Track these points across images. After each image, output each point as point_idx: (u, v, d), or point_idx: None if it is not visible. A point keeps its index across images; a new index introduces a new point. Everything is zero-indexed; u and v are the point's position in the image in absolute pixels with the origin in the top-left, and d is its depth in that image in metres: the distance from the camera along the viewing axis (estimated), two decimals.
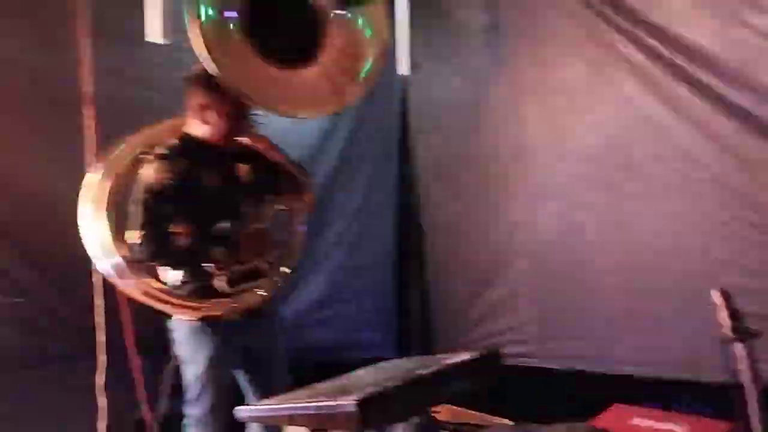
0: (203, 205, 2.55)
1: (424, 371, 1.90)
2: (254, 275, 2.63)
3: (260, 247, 2.63)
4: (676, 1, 3.77)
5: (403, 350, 4.99)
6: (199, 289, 2.56)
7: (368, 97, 4.64)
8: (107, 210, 2.57)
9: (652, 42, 3.86)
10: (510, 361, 4.38)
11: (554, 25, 4.23)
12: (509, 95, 4.42)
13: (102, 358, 3.17)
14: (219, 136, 2.58)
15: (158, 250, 2.48)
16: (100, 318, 3.16)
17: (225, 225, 2.57)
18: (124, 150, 2.67)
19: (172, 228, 2.49)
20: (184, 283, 2.56)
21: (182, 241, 2.48)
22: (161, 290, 2.54)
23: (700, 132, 3.78)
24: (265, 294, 2.69)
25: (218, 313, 2.56)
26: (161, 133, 2.68)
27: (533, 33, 4.33)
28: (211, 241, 2.52)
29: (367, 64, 2.60)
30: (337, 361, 3.91)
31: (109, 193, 2.57)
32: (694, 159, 3.81)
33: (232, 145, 2.64)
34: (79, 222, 2.57)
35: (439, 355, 2.18)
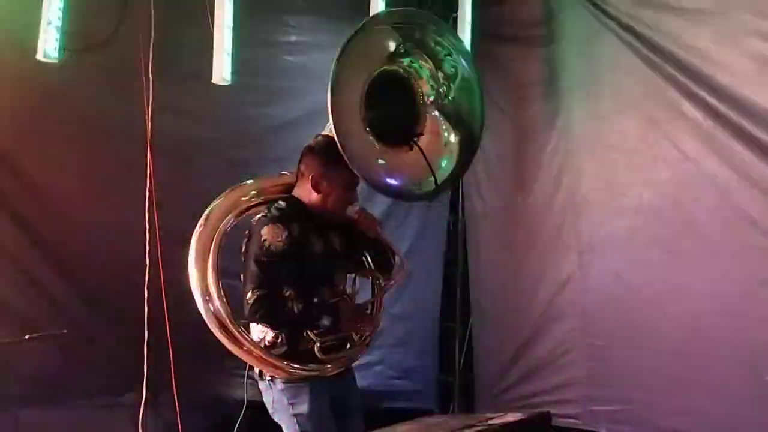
0: (309, 271, 2.61)
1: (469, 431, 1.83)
2: (344, 344, 2.68)
3: (359, 322, 2.69)
4: (740, 61, 3.72)
5: (443, 402, 4.89)
6: (292, 352, 2.60)
7: None
8: (212, 259, 2.58)
9: (713, 101, 3.81)
10: (555, 422, 4.27)
11: (612, 79, 4.21)
12: (565, 148, 4.38)
13: (144, 392, 3.17)
14: (328, 206, 2.66)
15: (272, 312, 2.52)
16: (146, 354, 3.17)
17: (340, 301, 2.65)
18: (231, 198, 2.70)
19: (285, 292, 2.55)
20: (272, 344, 2.60)
21: (295, 307, 2.52)
22: (256, 346, 2.57)
23: (760, 194, 3.68)
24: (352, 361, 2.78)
25: (312, 374, 2.62)
26: (269, 190, 2.76)
27: (591, 87, 4.32)
28: (320, 309, 2.58)
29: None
30: (375, 408, 3.87)
31: (215, 241, 2.60)
32: (754, 221, 3.71)
33: (335, 215, 2.71)
34: (189, 259, 2.59)
35: (484, 414, 2.11)
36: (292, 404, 2.61)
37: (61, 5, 2.99)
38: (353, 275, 2.78)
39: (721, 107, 3.78)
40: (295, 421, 2.61)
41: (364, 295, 2.76)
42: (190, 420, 3.05)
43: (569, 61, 4.42)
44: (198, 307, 2.57)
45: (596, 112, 4.30)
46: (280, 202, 2.65)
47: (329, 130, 2.61)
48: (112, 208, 3.39)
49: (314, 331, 2.57)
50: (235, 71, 3.41)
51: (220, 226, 2.61)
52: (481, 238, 4.83)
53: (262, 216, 2.60)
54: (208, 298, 2.55)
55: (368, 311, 2.75)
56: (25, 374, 3.11)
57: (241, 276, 2.57)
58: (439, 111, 2.75)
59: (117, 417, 3.36)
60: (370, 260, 2.78)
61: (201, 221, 2.62)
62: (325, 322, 2.57)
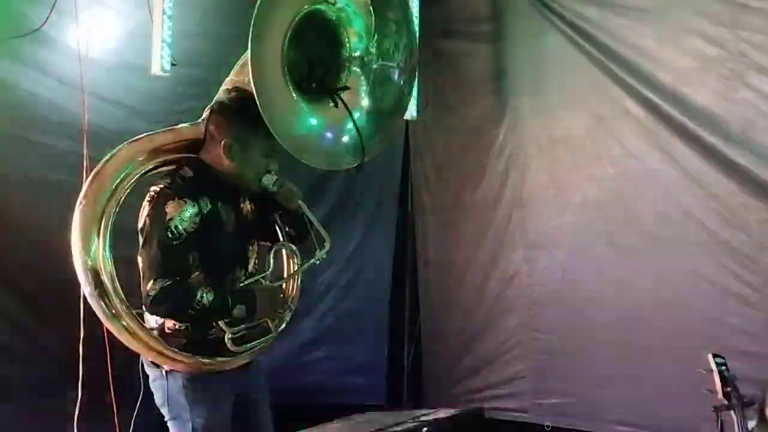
0: (220, 251, 2.29)
1: (398, 428, 1.80)
2: (261, 333, 2.38)
3: (275, 306, 2.38)
4: (682, 60, 3.79)
5: (391, 398, 4.89)
6: (196, 342, 2.28)
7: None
8: (101, 232, 2.20)
9: (655, 99, 3.87)
10: (501, 416, 4.31)
11: (558, 76, 4.25)
12: (512, 144, 4.41)
13: (79, 391, 3.09)
14: (242, 175, 2.33)
15: (179, 305, 2.19)
16: (81, 350, 3.08)
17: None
18: (122, 157, 2.32)
19: (193, 279, 2.22)
20: (173, 333, 2.27)
21: (206, 298, 2.18)
22: (153, 338, 2.25)
23: (701, 190, 3.76)
24: (264, 350, 2.46)
25: (219, 368, 2.31)
26: (166, 148, 2.35)
27: (537, 84, 4.35)
28: (234, 298, 2.26)
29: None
30: (322, 406, 3.83)
31: (103, 211, 2.21)
32: (695, 218, 3.79)
33: (250, 185, 2.38)
34: (72, 240, 2.24)
35: (418, 411, 2.08)
36: (191, 405, 2.30)
37: None
38: (268, 247, 2.45)
39: (664, 105, 3.84)
40: (190, 427, 2.30)
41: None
42: (127, 418, 2.96)
43: (516, 57, 4.44)
44: (84, 292, 2.25)
45: (542, 108, 4.33)
46: (186, 169, 2.29)
47: (241, 74, 2.32)
48: (46, 203, 3.28)
49: (225, 321, 2.25)
50: (174, 62, 3.33)
51: (111, 197, 2.23)
52: (430, 234, 4.83)
53: (164, 187, 2.22)
54: (96, 281, 2.20)
55: (285, 293, 2.45)
56: None
57: (139, 258, 2.24)
58: (361, 69, 2.44)
59: (53, 416, 3.26)
60: (285, 231, 2.47)
61: (83, 193, 2.26)
62: (240, 311, 2.25)
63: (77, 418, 3.11)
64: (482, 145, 4.55)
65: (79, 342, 3.07)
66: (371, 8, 2.43)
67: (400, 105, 2.60)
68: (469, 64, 4.58)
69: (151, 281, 2.18)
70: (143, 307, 2.27)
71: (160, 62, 3.23)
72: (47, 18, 3.14)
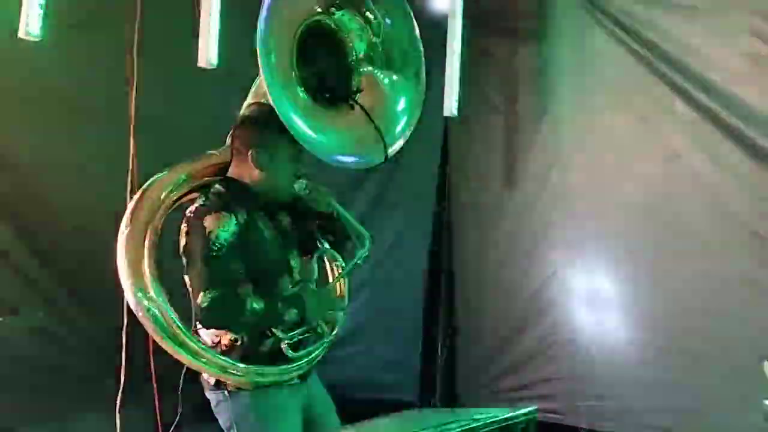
0: (263, 261, 2.30)
1: (455, 427, 1.77)
2: (316, 339, 2.37)
3: (326, 310, 2.38)
4: (733, 59, 3.72)
5: (425, 395, 4.87)
6: (252, 356, 2.28)
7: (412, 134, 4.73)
8: (148, 249, 2.26)
9: (703, 98, 3.80)
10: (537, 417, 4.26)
11: (603, 75, 4.19)
12: (554, 143, 4.36)
13: (122, 381, 3.12)
14: (273, 183, 2.34)
15: (231, 315, 2.20)
16: (125, 339, 3.11)
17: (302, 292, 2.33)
18: (164, 180, 2.38)
19: (240, 289, 2.22)
20: (230, 348, 2.28)
21: (256, 305, 2.20)
22: (217, 356, 2.25)
23: (749, 194, 3.69)
24: (320, 356, 2.44)
25: (279, 379, 2.31)
26: (199, 175, 2.40)
27: (581, 82, 4.29)
28: (285, 303, 2.27)
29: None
30: (354, 400, 3.83)
31: (148, 241, 2.27)
32: (742, 221, 3.72)
33: (282, 193, 2.39)
34: (118, 255, 2.29)
35: (469, 409, 2.05)
36: (260, 422, 2.28)
37: None
38: (310, 258, 2.46)
39: (713, 105, 3.77)
40: None
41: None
42: (168, 408, 2.99)
43: (560, 55, 4.39)
44: (136, 313, 2.28)
45: (586, 107, 4.28)
46: (217, 186, 2.31)
47: (256, 96, 2.36)
48: (93, 192, 3.32)
49: (280, 328, 2.26)
50: (224, 55, 3.34)
51: (150, 225, 2.27)
52: (467, 232, 4.80)
53: (200, 206, 2.26)
54: (147, 304, 2.23)
55: (334, 295, 2.44)
56: (9, 359, 3.05)
57: (185, 279, 2.27)
58: (372, 65, 2.47)
59: (94, 404, 3.30)
60: (325, 239, 2.47)
61: (124, 225, 2.31)
62: (292, 316, 2.27)
63: (119, 407, 3.14)
64: (522, 144, 4.52)
65: (122, 331, 3.09)
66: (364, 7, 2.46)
67: (419, 87, 2.58)
68: (511, 62, 4.54)
69: (201, 294, 2.19)
70: (197, 323, 2.28)
71: (206, 55, 3.23)
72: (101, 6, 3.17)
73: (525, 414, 2.00)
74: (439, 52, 4.16)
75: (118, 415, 3.14)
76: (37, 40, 2.86)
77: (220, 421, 2.38)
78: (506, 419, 1.89)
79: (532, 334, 4.44)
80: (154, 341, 2.99)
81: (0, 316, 2.92)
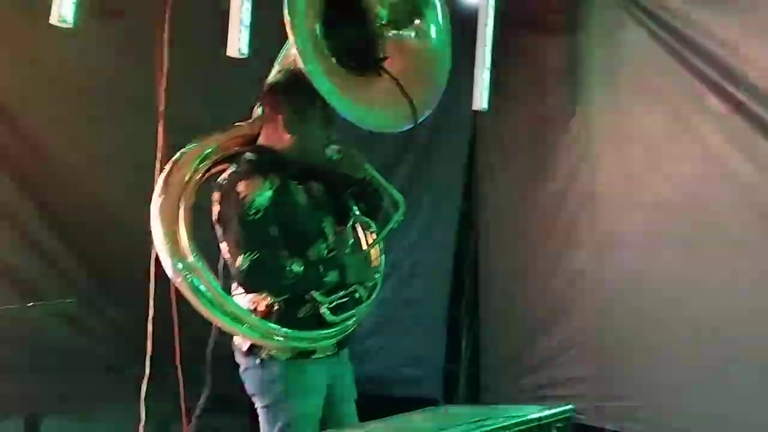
0: (299, 226, 2.30)
1: (490, 424, 1.74)
2: (354, 303, 2.35)
3: (364, 274, 2.37)
4: None
5: (448, 391, 4.83)
6: (289, 322, 2.26)
7: (437, 128, 4.70)
8: (183, 218, 2.24)
9: (740, 95, 3.71)
10: None
11: (636, 70, 4.11)
12: (584, 139, 4.29)
13: (147, 367, 3.12)
14: (304, 149, 2.33)
15: (271, 277, 2.20)
16: (150, 326, 3.12)
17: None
18: (194, 152, 2.37)
19: (278, 252, 2.21)
20: (267, 313, 2.25)
21: (296, 268, 2.19)
22: (256, 319, 2.23)
23: None
24: (357, 323, 2.42)
25: (316, 346, 2.30)
26: (228, 145, 2.40)
27: (613, 77, 4.22)
28: (324, 265, 2.27)
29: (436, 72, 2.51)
30: (378, 395, 3.80)
31: (182, 203, 2.25)
32: None
33: (314, 159, 2.36)
34: (152, 224, 2.27)
35: (503, 406, 2.03)
36: (286, 394, 2.29)
37: None
38: (344, 224, 2.43)
39: (750, 103, 3.67)
40: (285, 416, 2.28)
41: None
42: (194, 395, 2.99)
43: (591, 49, 4.31)
44: (174, 281, 2.26)
45: (618, 103, 4.19)
46: (248, 154, 2.31)
47: (284, 64, 2.35)
48: (123, 183, 3.33)
49: (320, 291, 2.25)
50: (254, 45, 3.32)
51: (184, 193, 2.26)
52: (493, 227, 4.75)
53: (232, 173, 2.26)
54: (185, 270, 2.21)
55: (370, 260, 2.43)
56: (30, 342, 3.07)
57: (222, 245, 2.25)
58: (397, 28, 2.43)
59: (120, 390, 3.32)
60: (358, 205, 2.44)
61: (157, 194, 2.30)
62: (332, 278, 2.26)
63: (144, 396, 3.15)
64: (552, 139, 4.45)
65: (147, 319, 3.10)
66: None
67: (444, 53, 2.54)
68: (542, 56, 4.47)
69: (241, 257, 2.18)
70: (237, 287, 2.27)
71: (237, 44, 3.21)
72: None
73: (562, 413, 1.96)
74: (469, 45, 4.12)
75: (143, 404, 3.16)
76: (69, 26, 2.86)
77: (247, 386, 2.38)
78: (543, 417, 1.86)
79: (558, 333, 4.38)
80: (179, 331, 3.02)
81: (29, 302, 2.94)
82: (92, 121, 3.36)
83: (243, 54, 3.27)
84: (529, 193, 4.54)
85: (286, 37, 2.29)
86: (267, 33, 3.54)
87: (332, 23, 2.35)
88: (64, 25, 2.81)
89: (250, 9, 3.21)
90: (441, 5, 2.53)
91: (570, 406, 2.01)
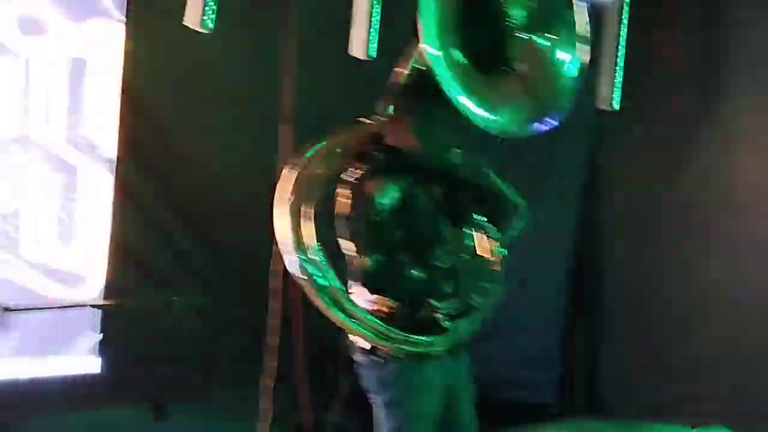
0: (421, 230, 2.31)
1: None
2: (471, 309, 2.32)
3: (480, 281, 2.34)
4: None
5: (563, 396, 4.68)
6: (404, 325, 2.26)
7: (560, 127, 4.54)
8: (308, 216, 2.24)
9: None
10: None
11: None
12: (722, 142, 4.04)
13: (271, 362, 3.20)
14: (430, 152, 2.31)
15: (393, 280, 2.21)
16: (273, 321, 3.18)
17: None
18: (321, 150, 2.37)
19: (399, 256, 2.22)
20: (388, 315, 2.25)
21: (416, 274, 2.22)
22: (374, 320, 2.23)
23: None
24: (474, 330, 2.38)
25: (437, 349, 2.27)
26: (355, 144, 2.39)
27: (755, 76, 3.95)
28: (442, 273, 2.25)
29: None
30: (492, 399, 3.72)
31: (309, 194, 2.25)
32: None
33: (438, 163, 2.35)
34: (277, 220, 2.27)
35: (646, 423, 1.89)
36: (405, 392, 2.28)
37: None
38: (463, 229, 2.38)
39: None
40: (402, 414, 2.27)
41: None
42: (320, 397, 3.04)
43: (730, 47, 4.07)
44: (295, 277, 2.24)
45: (760, 103, 3.94)
46: (375, 153, 2.31)
47: (412, 63, 2.29)
48: (251, 182, 3.42)
49: (436, 298, 2.24)
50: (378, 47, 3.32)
51: (310, 193, 2.24)
52: (619, 230, 4.55)
53: (359, 171, 2.27)
54: (307, 265, 2.18)
55: (488, 268, 2.35)
56: (167, 337, 3.22)
57: (346, 243, 2.27)
58: (529, 31, 2.31)
59: (241, 384, 3.42)
60: (479, 212, 2.38)
61: (289, 195, 2.26)
62: (449, 283, 2.24)
63: (264, 388, 3.22)
64: (685, 141, 4.23)
65: (269, 314, 3.18)
66: None
67: (581, 51, 2.36)
68: (676, 54, 4.25)
69: (364, 257, 2.21)
70: (353, 285, 2.27)
71: (363, 46, 3.22)
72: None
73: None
74: (597, 41, 3.96)
75: (263, 397, 3.24)
76: (206, 31, 2.96)
77: (363, 383, 2.37)
78: None
79: (689, 345, 4.15)
80: (302, 327, 3.07)
81: (165, 296, 3.08)
82: (226, 120, 3.48)
83: (371, 56, 3.28)
84: (659, 197, 4.33)
85: (412, 35, 2.27)
86: (391, 31, 3.58)
87: (464, 22, 2.32)
88: (204, 30, 2.91)
89: (379, 11, 3.21)
90: (581, 13, 2.42)
91: (724, 428, 1.86)
